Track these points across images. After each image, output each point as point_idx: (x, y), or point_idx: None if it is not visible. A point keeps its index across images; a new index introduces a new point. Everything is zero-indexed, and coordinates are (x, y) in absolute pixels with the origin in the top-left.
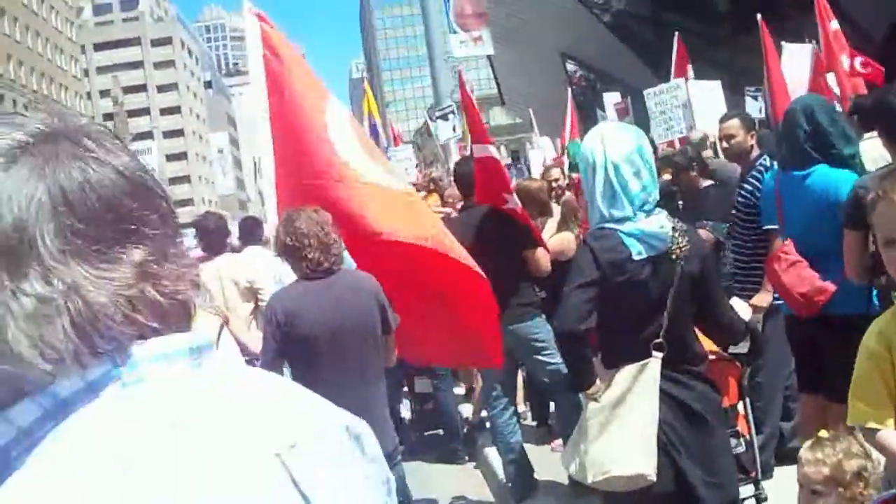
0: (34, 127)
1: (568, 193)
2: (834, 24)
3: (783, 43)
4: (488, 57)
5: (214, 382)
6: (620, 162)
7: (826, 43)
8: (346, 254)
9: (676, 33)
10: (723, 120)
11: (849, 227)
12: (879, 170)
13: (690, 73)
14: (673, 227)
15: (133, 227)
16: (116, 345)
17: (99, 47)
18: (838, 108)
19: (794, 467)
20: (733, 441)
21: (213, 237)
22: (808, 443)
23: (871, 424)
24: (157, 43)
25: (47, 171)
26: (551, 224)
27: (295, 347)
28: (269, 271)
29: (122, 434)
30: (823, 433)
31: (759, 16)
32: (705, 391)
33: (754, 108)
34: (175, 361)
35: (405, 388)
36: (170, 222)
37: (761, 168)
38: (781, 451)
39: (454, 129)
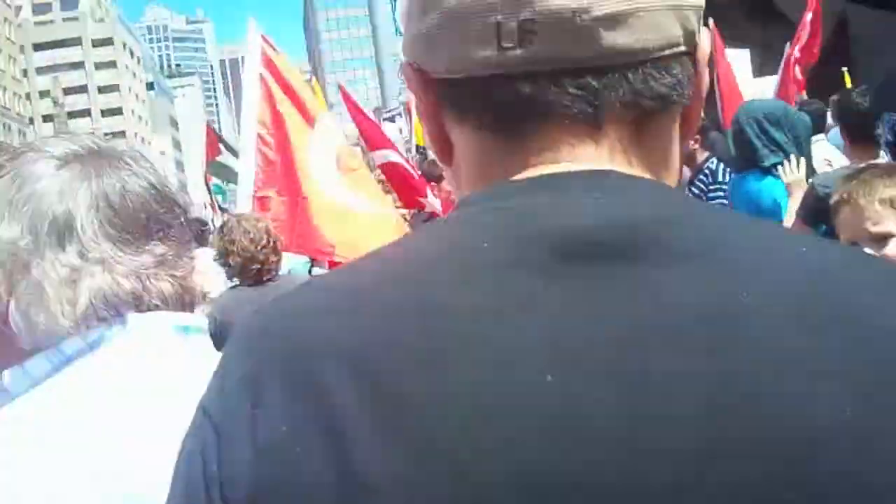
0: (87, 143)
1: None
2: (808, 17)
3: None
4: None
5: (191, 354)
6: None
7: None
8: (297, 263)
9: None
10: None
11: (802, 221)
12: (839, 170)
13: None
14: None
15: (159, 227)
16: (115, 313)
17: (38, 47)
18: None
19: None
20: None
21: None
22: None
23: None
24: (98, 43)
25: (93, 176)
26: None
27: None
28: (218, 274)
29: (78, 393)
30: None
31: (710, 21)
32: None
33: None
34: (159, 332)
35: None
36: (187, 232)
37: (707, 171)
38: None
39: (401, 132)
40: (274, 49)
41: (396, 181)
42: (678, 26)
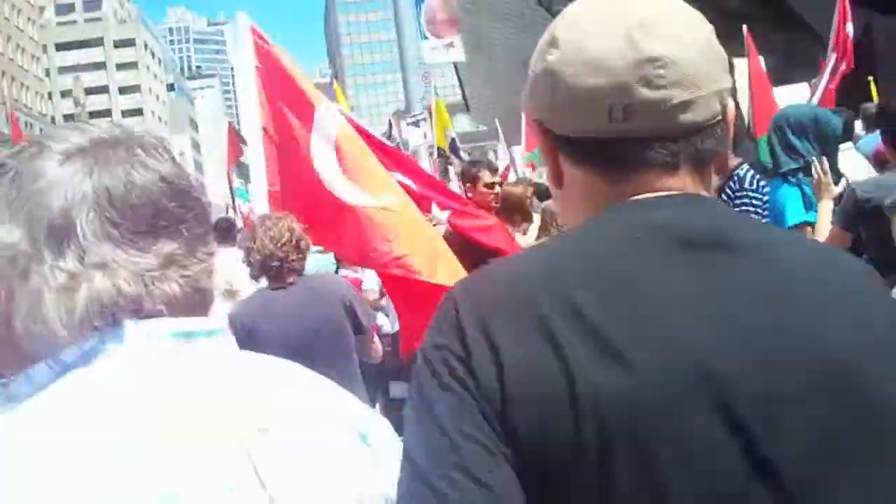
0: (96, 134)
1: (549, 201)
2: (848, 27)
3: (733, 59)
4: (454, 64)
5: (195, 364)
6: None
7: (836, 44)
8: (323, 262)
9: None
10: None
11: (841, 226)
12: (881, 177)
13: None
14: None
15: (167, 223)
16: (112, 321)
17: (61, 47)
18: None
19: None
20: None
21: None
22: None
23: None
24: (120, 44)
25: (96, 169)
26: (532, 230)
27: None
28: (245, 273)
29: (80, 400)
30: None
31: (744, 27)
32: None
33: None
34: (160, 341)
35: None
36: (204, 223)
37: (735, 178)
38: None
39: (425, 136)
40: (264, 40)
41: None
42: (719, 104)
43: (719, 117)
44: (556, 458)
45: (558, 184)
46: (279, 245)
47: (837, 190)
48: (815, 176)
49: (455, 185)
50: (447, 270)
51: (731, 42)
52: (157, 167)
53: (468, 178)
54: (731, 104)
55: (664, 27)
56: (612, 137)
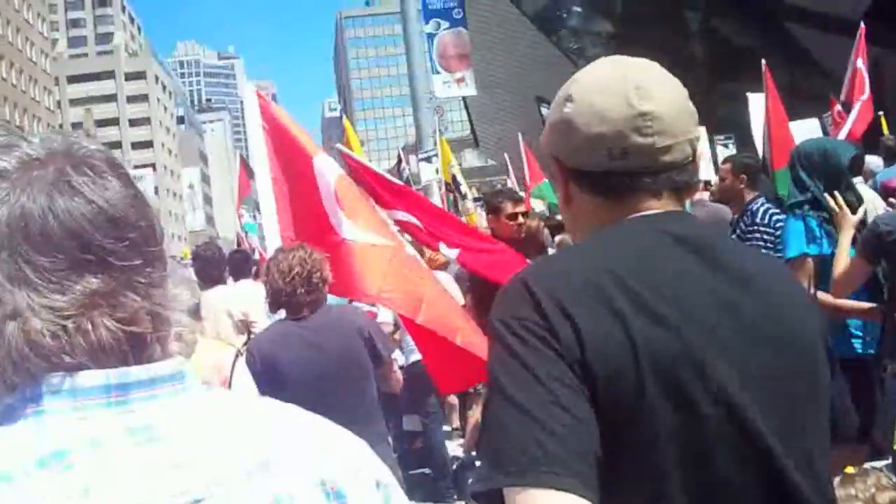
0: (25, 153)
1: (563, 234)
2: (859, 62)
3: (748, 94)
4: (463, 99)
5: (124, 423)
6: None
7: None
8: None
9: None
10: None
11: (860, 256)
12: None
13: None
14: None
15: (94, 256)
16: (27, 376)
17: (73, 80)
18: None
19: None
20: None
21: (209, 267)
22: (837, 480)
23: None
24: (130, 77)
25: (12, 196)
26: None
27: (278, 391)
28: (262, 305)
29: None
30: (850, 469)
31: (763, 63)
32: None
33: (725, 155)
34: (83, 397)
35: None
36: (145, 252)
37: (749, 212)
38: None
39: (437, 171)
40: (266, 101)
41: (414, 236)
42: (690, 148)
43: (691, 158)
44: (623, 394)
45: (567, 205)
46: (287, 279)
47: (856, 218)
48: (834, 209)
49: (463, 218)
50: (433, 313)
51: (741, 77)
52: (86, 190)
53: (490, 209)
54: (698, 148)
55: (653, 90)
56: (612, 171)
